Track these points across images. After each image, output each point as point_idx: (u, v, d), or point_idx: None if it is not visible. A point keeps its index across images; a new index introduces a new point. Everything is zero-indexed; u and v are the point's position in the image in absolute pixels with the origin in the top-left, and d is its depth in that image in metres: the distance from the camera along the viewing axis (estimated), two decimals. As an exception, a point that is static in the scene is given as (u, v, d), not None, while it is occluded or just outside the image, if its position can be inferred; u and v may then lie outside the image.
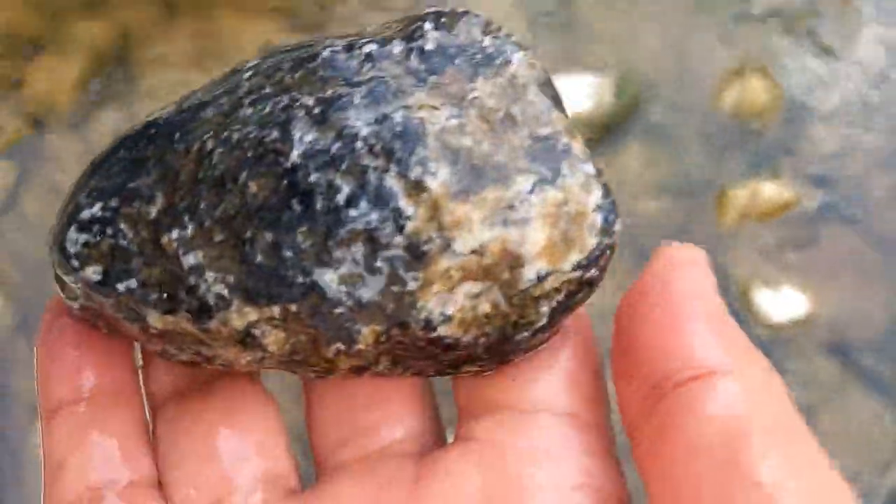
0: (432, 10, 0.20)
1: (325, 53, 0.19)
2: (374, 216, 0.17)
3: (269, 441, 0.21)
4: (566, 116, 0.19)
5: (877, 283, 0.59)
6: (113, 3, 0.80)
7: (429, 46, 0.19)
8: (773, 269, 0.62)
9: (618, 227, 0.19)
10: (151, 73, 0.75)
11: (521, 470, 0.18)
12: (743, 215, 0.64)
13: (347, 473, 0.20)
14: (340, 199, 0.17)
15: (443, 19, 0.20)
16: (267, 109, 0.18)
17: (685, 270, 0.18)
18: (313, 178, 0.17)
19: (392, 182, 0.17)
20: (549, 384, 0.19)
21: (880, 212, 0.64)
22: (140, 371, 0.22)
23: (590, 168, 0.18)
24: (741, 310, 0.60)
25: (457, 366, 0.20)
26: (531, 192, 0.18)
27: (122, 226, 0.19)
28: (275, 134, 0.18)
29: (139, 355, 0.22)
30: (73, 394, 0.20)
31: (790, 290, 0.61)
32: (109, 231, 0.19)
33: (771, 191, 0.65)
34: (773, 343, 0.59)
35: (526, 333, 0.19)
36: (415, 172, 0.17)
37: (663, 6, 0.75)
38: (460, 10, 0.20)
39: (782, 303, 0.60)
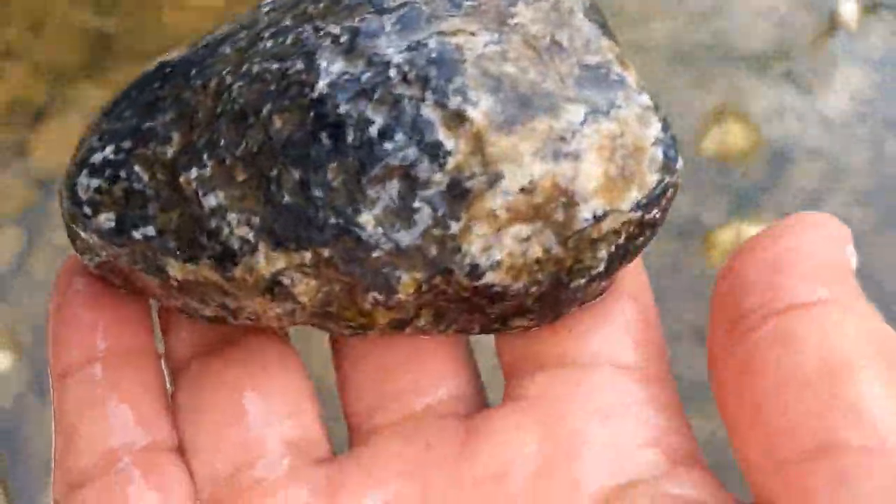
0: None
1: None
2: (410, 150, 0.16)
3: (298, 404, 0.19)
4: (616, 44, 0.18)
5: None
6: (111, 67, 0.82)
7: None
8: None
9: (679, 164, 0.17)
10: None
11: (583, 427, 0.17)
12: (729, 254, 0.66)
13: (387, 436, 0.18)
14: (373, 131, 0.16)
15: None
16: (290, 40, 0.17)
17: (812, 227, 0.16)
18: (343, 108, 0.16)
19: (429, 112, 0.15)
20: (609, 336, 0.18)
21: (862, 247, 0.67)
22: (159, 331, 0.21)
23: (646, 99, 0.17)
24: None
25: (505, 320, 0.18)
26: (584, 122, 0.16)
27: (137, 168, 0.18)
28: (299, 64, 0.16)
29: (157, 316, 0.21)
30: (86, 355, 0.19)
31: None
32: (123, 174, 0.18)
33: (755, 230, 0.67)
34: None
35: (582, 281, 0.17)
36: (454, 102, 0.15)
37: (643, 56, 0.78)
38: None
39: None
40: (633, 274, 0.19)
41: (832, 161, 0.71)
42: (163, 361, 0.20)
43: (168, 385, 0.20)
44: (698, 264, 0.66)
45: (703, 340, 0.56)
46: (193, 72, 0.18)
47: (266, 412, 0.19)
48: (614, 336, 0.18)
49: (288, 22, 0.17)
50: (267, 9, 0.18)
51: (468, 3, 0.17)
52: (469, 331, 0.19)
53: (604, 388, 0.17)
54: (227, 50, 0.18)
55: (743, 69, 0.76)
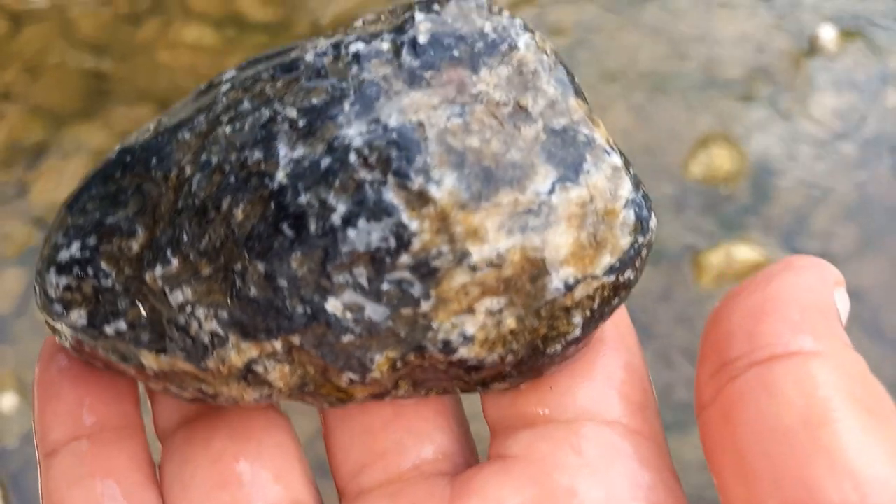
0: None
1: (308, 57, 0.17)
2: (374, 235, 0.15)
3: (286, 466, 0.19)
4: (585, 102, 0.17)
5: (850, 330, 0.63)
6: (109, 106, 0.83)
7: (421, 39, 0.16)
8: (752, 326, 0.65)
9: (653, 222, 0.17)
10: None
11: (569, 485, 0.16)
12: (719, 276, 0.67)
13: (374, 498, 0.18)
14: (336, 219, 0.15)
15: (435, 5, 0.17)
16: (247, 127, 0.16)
17: (797, 271, 0.16)
18: (303, 198, 0.15)
19: (392, 195, 0.15)
20: (591, 391, 0.18)
21: (848, 264, 0.68)
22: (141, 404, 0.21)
23: (616, 159, 0.16)
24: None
25: (485, 383, 0.18)
26: (551, 191, 0.16)
27: (104, 265, 0.17)
28: (257, 154, 0.16)
29: (142, 387, 0.21)
30: (72, 432, 0.19)
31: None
32: (90, 271, 0.18)
33: (743, 252, 0.69)
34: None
35: (558, 346, 0.17)
36: (416, 182, 0.15)
37: (627, 83, 0.79)
38: None
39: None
40: (616, 321, 0.18)
41: (816, 182, 0.72)
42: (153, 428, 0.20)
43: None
44: (688, 287, 0.67)
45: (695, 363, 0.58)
46: (154, 161, 0.17)
47: (254, 478, 0.18)
48: (598, 390, 0.18)
49: (246, 104, 0.17)
50: (226, 87, 0.18)
51: (428, 73, 0.16)
52: (450, 392, 0.19)
53: (589, 444, 0.17)
54: (187, 135, 0.17)
55: (726, 94, 0.78)
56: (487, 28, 0.17)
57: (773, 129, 0.75)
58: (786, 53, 0.80)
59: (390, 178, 0.15)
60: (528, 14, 0.84)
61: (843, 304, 0.16)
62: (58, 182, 0.79)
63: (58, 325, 0.19)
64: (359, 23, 0.19)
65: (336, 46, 0.17)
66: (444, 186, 0.15)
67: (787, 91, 0.78)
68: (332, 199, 0.15)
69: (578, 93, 0.17)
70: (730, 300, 0.16)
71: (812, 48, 0.80)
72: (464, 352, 0.16)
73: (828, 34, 0.80)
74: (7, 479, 0.63)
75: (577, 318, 0.17)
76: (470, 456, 0.19)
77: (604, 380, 0.18)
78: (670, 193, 0.72)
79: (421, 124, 0.15)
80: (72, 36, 0.88)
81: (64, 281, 0.18)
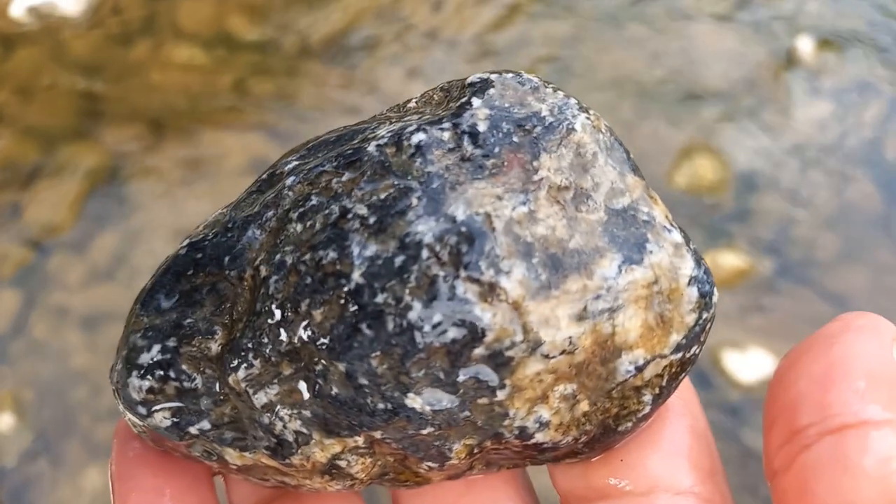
0: (477, 77, 0.18)
1: (371, 149, 0.17)
2: (450, 329, 0.15)
3: None
4: (641, 178, 0.18)
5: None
6: (102, 127, 0.84)
7: (481, 127, 0.17)
8: (739, 333, 0.66)
9: (716, 297, 0.17)
10: (142, 188, 0.79)
11: None
12: (706, 285, 0.69)
13: None
14: (412, 316, 0.15)
15: (491, 89, 0.17)
16: (318, 224, 0.17)
17: (857, 332, 0.16)
18: (380, 297, 0.16)
19: (464, 288, 0.15)
20: (662, 461, 0.18)
21: (830, 270, 0.69)
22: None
23: (677, 236, 0.17)
24: (713, 374, 0.64)
25: (557, 460, 0.18)
26: (618, 275, 0.16)
27: (185, 367, 0.18)
28: (332, 254, 0.16)
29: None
30: None
31: (757, 351, 0.65)
32: (172, 374, 0.18)
33: (729, 259, 0.70)
34: (746, 402, 0.63)
35: (629, 424, 0.17)
36: (487, 275, 0.15)
37: (612, 97, 0.81)
38: (509, 73, 0.18)
39: (750, 364, 0.64)
40: (680, 388, 0.18)
41: (797, 190, 0.74)
42: None
43: None
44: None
45: (695, 382, 0.59)
46: (226, 260, 0.18)
47: None
48: (668, 461, 0.18)
49: (314, 200, 0.17)
50: (291, 180, 0.18)
51: (490, 162, 0.16)
52: (520, 467, 0.19)
53: None
54: (257, 232, 0.17)
55: (708, 106, 0.79)
56: (544, 111, 0.17)
57: (755, 139, 0.77)
58: (765, 65, 0.82)
59: (462, 272, 0.15)
60: (514, 30, 0.85)
61: None
62: (52, 202, 0.79)
63: (138, 424, 0.19)
64: (412, 103, 0.19)
65: (397, 136, 0.17)
66: (514, 277, 0.15)
67: (767, 102, 0.79)
68: (407, 296, 0.15)
69: (635, 169, 0.18)
70: (793, 364, 0.16)
71: (790, 60, 0.82)
72: (539, 437, 0.17)
73: (805, 46, 0.82)
74: (6, 497, 0.64)
75: (648, 396, 0.17)
76: None
77: (673, 448, 0.18)
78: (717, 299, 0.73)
79: (488, 216, 0.16)
80: (63, 58, 0.89)
81: (147, 384, 0.18)
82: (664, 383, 0.17)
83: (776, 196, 0.74)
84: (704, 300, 0.17)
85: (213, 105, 0.84)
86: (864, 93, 0.79)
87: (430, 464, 0.17)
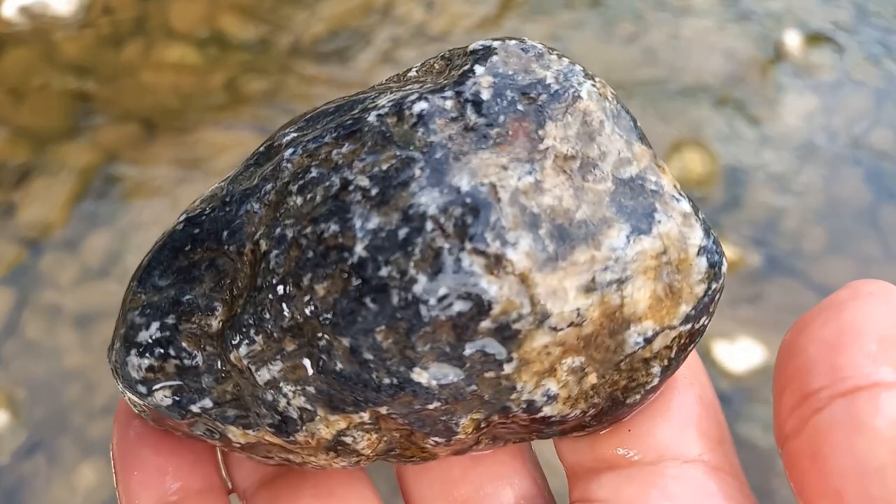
0: (480, 45, 0.17)
1: (372, 119, 0.16)
2: (456, 302, 0.15)
3: None
4: (648, 146, 0.17)
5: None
6: (95, 126, 0.84)
7: (484, 95, 0.16)
8: (729, 324, 0.66)
9: (724, 267, 0.17)
10: (135, 187, 0.79)
11: None
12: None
13: None
14: (417, 290, 0.15)
15: (494, 56, 0.17)
16: (319, 197, 0.16)
17: (867, 298, 0.15)
18: (384, 270, 0.15)
19: (470, 261, 0.15)
20: (670, 430, 0.18)
21: (818, 262, 0.70)
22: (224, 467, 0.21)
23: (685, 205, 0.16)
24: (703, 364, 0.65)
25: (564, 433, 0.18)
26: (626, 245, 0.15)
27: (185, 344, 0.17)
28: (333, 226, 0.16)
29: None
30: (159, 499, 0.19)
31: (746, 341, 0.65)
32: (172, 352, 0.17)
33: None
34: (736, 392, 0.63)
35: (638, 396, 0.17)
36: (493, 246, 0.15)
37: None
38: (512, 40, 0.17)
39: (740, 354, 0.64)
40: (688, 362, 0.18)
41: (786, 183, 0.74)
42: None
43: None
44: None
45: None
46: (225, 234, 0.17)
47: None
48: (677, 430, 0.17)
49: (314, 172, 0.16)
50: (289, 152, 0.17)
51: (494, 131, 0.16)
52: (526, 441, 0.19)
53: (676, 484, 0.17)
54: (256, 206, 0.17)
55: (697, 101, 0.80)
56: (549, 78, 0.16)
57: (744, 133, 0.78)
58: (753, 60, 0.82)
59: (467, 244, 0.15)
60: (505, 27, 0.86)
61: None
62: (45, 201, 0.79)
63: (138, 402, 0.18)
64: (412, 72, 0.18)
65: (398, 106, 0.16)
66: (521, 248, 0.15)
67: (755, 96, 0.80)
68: (412, 269, 0.15)
69: (642, 138, 0.17)
70: (802, 330, 0.16)
71: (778, 54, 0.82)
72: (547, 410, 0.16)
73: (793, 40, 0.83)
74: (0, 495, 0.64)
75: (656, 368, 0.17)
76: (549, 498, 0.19)
77: (681, 418, 0.18)
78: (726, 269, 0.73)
79: (493, 186, 0.15)
80: (55, 58, 0.89)
81: (146, 362, 0.18)
82: (673, 355, 0.17)
83: (764, 189, 0.74)
84: (714, 270, 0.16)
85: (205, 104, 0.85)
86: (851, 87, 0.80)
87: (436, 439, 0.17)
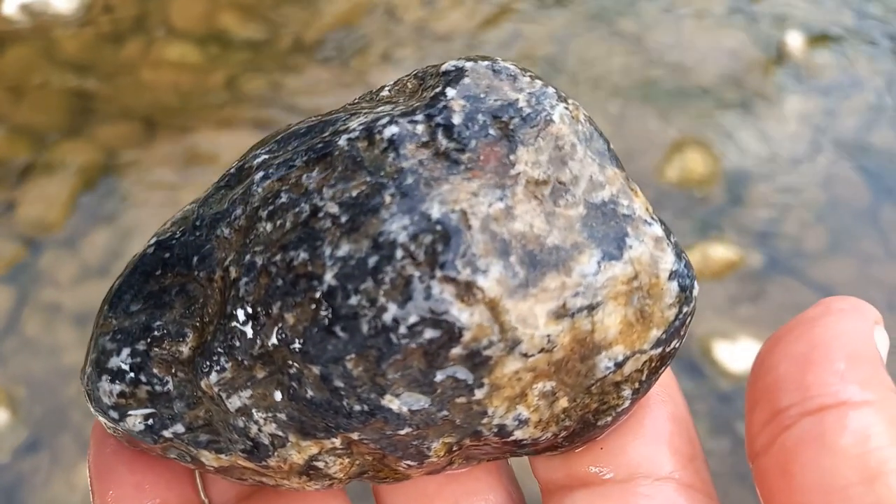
0: (452, 65, 0.17)
1: (342, 143, 0.16)
2: (426, 331, 0.15)
3: None
4: (621, 170, 0.17)
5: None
6: (95, 124, 0.84)
7: (455, 119, 0.16)
8: (728, 324, 0.66)
9: (696, 290, 0.17)
10: (135, 185, 0.79)
11: None
12: (696, 276, 0.69)
13: None
14: (387, 318, 0.15)
15: (465, 78, 0.17)
16: (288, 224, 0.16)
17: (838, 315, 0.16)
18: (354, 299, 0.15)
19: (440, 289, 0.15)
20: (642, 448, 0.18)
21: (818, 261, 0.70)
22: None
23: (657, 229, 0.16)
24: (703, 364, 0.65)
25: (537, 453, 0.18)
26: (597, 271, 0.16)
27: (156, 370, 0.17)
28: (303, 254, 0.15)
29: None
30: None
31: (747, 341, 0.66)
32: (143, 378, 0.17)
33: (719, 252, 0.71)
34: (736, 391, 0.63)
35: (609, 418, 0.17)
36: (464, 274, 0.15)
37: (603, 92, 0.81)
38: (484, 61, 0.17)
39: (740, 354, 0.64)
40: (662, 380, 0.18)
41: (786, 184, 0.74)
42: None
43: None
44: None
45: (687, 372, 0.59)
46: (195, 259, 0.17)
47: None
48: (649, 447, 0.18)
49: (283, 198, 0.16)
50: (259, 175, 0.17)
51: (465, 156, 0.16)
52: (500, 459, 0.19)
53: (646, 502, 0.17)
54: (226, 231, 0.17)
55: (699, 101, 0.80)
56: (521, 101, 0.16)
57: (745, 133, 0.78)
58: (755, 60, 0.82)
59: (437, 272, 0.15)
60: (506, 27, 0.86)
61: (882, 342, 0.16)
62: (45, 199, 0.79)
63: (111, 427, 0.18)
64: (385, 91, 0.18)
65: (369, 130, 0.16)
66: (492, 276, 0.15)
67: (757, 97, 0.80)
68: (381, 297, 0.15)
69: (615, 160, 0.17)
70: (774, 346, 0.16)
71: (780, 55, 0.82)
72: (519, 434, 0.17)
73: (795, 41, 0.83)
74: (0, 493, 0.64)
75: (627, 391, 0.17)
76: None
77: (653, 435, 0.18)
78: (647, 197, 0.73)
79: (464, 213, 0.15)
80: (55, 56, 0.89)
81: (117, 388, 0.18)
82: (644, 378, 0.17)
83: (765, 189, 0.74)
84: (685, 294, 0.16)
85: (205, 102, 0.85)
86: (853, 88, 0.80)
87: (409, 462, 0.17)
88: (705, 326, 0.66)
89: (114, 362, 0.18)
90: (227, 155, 0.80)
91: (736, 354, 0.65)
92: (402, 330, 0.15)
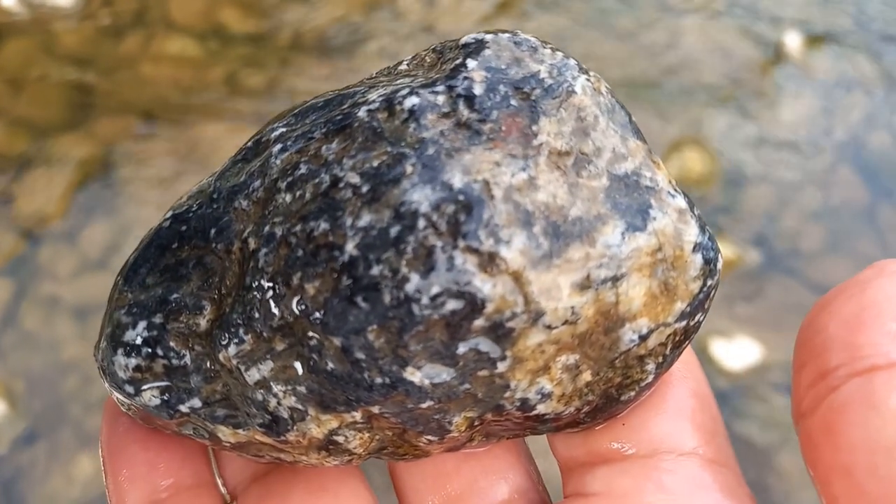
0: (472, 38, 0.17)
1: (362, 114, 0.16)
2: (449, 301, 0.15)
3: None
4: (643, 141, 0.17)
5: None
6: (93, 117, 0.84)
7: (477, 90, 0.16)
8: (726, 322, 0.67)
9: (720, 263, 0.16)
10: (134, 179, 0.79)
11: None
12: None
13: None
14: (410, 288, 0.15)
15: (486, 50, 0.16)
16: (308, 194, 0.16)
17: (891, 277, 0.15)
18: (376, 269, 0.15)
19: (463, 259, 0.15)
20: (665, 423, 0.17)
21: (815, 261, 0.70)
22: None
23: (681, 201, 0.16)
24: (700, 362, 0.65)
25: (558, 429, 0.18)
26: (621, 242, 0.15)
27: (173, 344, 0.17)
28: (323, 224, 0.15)
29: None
30: (149, 495, 0.19)
31: (743, 340, 0.66)
32: (160, 351, 0.17)
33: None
34: (734, 390, 0.64)
35: (632, 393, 0.17)
36: (487, 244, 0.15)
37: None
38: (505, 33, 0.17)
39: (737, 352, 0.65)
40: (683, 356, 0.18)
41: (784, 183, 0.75)
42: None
43: None
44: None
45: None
46: (213, 232, 0.17)
47: None
48: (672, 423, 0.17)
49: (303, 169, 0.16)
50: (277, 148, 0.17)
51: (487, 126, 0.15)
52: (520, 436, 0.18)
53: (671, 477, 0.17)
54: (244, 203, 0.17)
55: (696, 100, 0.80)
56: (543, 72, 0.16)
57: (743, 133, 0.78)
58: (753, 60, 0.83)
59: (460, 242, 0.15)
60: (504, 24, 0.86)
61: None
62: (44, 192, 0.79)
63: (126, 402, 0.18)
64: (403, 65, 0.18)
65: (389, 101, 0.16)
66: (515, 246, 0.15)
67: (755, 97, 0.80)
68: (404, 268, 0.15)
69: (637, 133, 0.17)
70: (824, 308, 0.16)
71: (778, 55, 0.83)
72: (541, 408, 0.16)
73: (793, 41, 0.83)
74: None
75: (651, 366, 0.17)
76: (543, 493, 0.19)
77: (675, 411, 0.18)
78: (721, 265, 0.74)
79: (486, 183, 0.15)
80: (54, 49, 0.88)
81: (133, 362, 0.17)
82: (667, 352, 0.17)
83: (763, 188, 0.74)
84: (709, 267, 0.16)
85: (205, 97, 0.84)
86: (850, 88, 0.80)
87: (429, 437, 0.17)
88: (702, 324, 0.66)
89: (129, 336, 0.17)
90: (227, 149, 0.80)
91: (732, 353, 0.65)
92: (425, 301, 0.15)
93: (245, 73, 0.86)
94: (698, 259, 0.16)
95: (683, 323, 0.16)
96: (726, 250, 0.71)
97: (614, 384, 0.17)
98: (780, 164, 0.76)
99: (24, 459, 0.65)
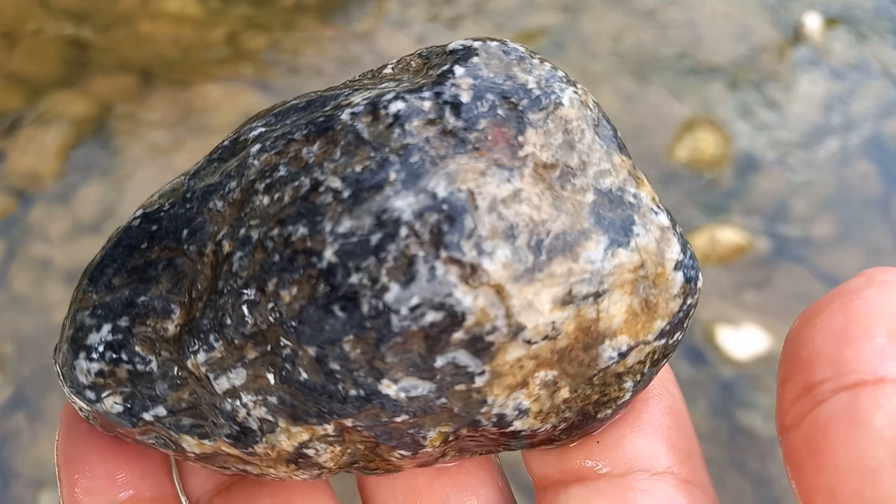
0: (460, 44, 0.16)
1: (345, 117, 0.16)
2: (428, 312, 0.14)
3: None
4: (628, 157, 0.17)
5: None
6: (90, 76, 0.82)
7: (464, 97, 0.15)
8: (733, 310, 0.66)
9: (700, 282, 0.16)
10: (131, 140, 0.77)
11: None
12: (703, 258, 0.68)
13: None
14: (389, 298, 0.14)
15: (474, 57, 0.16)
16: (287, 197, 0.15)
17: (880, 287, 0.15)
18: (355, 278, 0.14)
19: (445, 270, 0.14)
20: (639, 442, 0.17)
21: (826, 250, 0.69)
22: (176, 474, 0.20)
23: (663, 218, 0.16)
24: (706, 350, 0.64)
25: (532, 446, 0.18)
26: (604, 258, 0.15)
27: (139, 349, 0.16)
28: (302, 229, 0.15)
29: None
30: None
31: (751, 328, 0.65)
32: (125, 356, 0.16)
33: (727, 235, 0.70)
34: (739, 379, 0.63)
35: (609, 411, 0.17)
36: (469, 256, 0.14)
37: (614, 67, 0.80)
38: (493, 41, 0.16)
39: (744, 341, 0.64)
40: (659, 374, 0.18)
41: (797, 168, 0.73)
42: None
43: None
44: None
45: (689, 358, 0.59)
46: (185, 233, 0.16)
47: None
48: (646, 442, 0.17)
49: (282, 171, 0.16)
50: (256, 148, 0.16)
51: (473, 135, 0.15)
52: (493, 452, 0.18)
53: (643, 497, 0.16)
54: (219, 204, 0.16)
55: (712, 81, 0.79)
56: (531, 83, 0.16)
57: (758, 116, 0.76)
58: (771, 41, 0.81)
59: (442, 252, 0.14)
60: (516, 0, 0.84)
61: None
62: (36, 151, 0.77)
63: (85, 407, 0.17)
64: (388, 69, 0.18)
65: (373, 105, 0.15)
66: (497, 259, 0.14)
67: (771, 78, 0.79)
68: (384, 277, 0.14)
69: (622, 148, 0.17)
70: (810, 319, 0.15)
71: (797, 36, 0.81)
72: (518, 424, 0.16)
73: (813, 22, 0.81)
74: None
75: (629, 383, 0.17)
76: None
77: (651, 429, 0.17)
78: (656, 177, 0.72)
79: (471, 193, 0.15)
80: (50, 3, 0.86)
81: (96, 367, 0.17)
82: (646, 370, 0.17)
83: (776, 174, 0.73)
84: (689, 286, 0.16)
85: (205, 58, 0.82)
86: (869, 73, 0.79)
87: (402, 452, 0.16)
88: (710, 311, 0.65)
89: (93, 339, 0.17)
90: (227, 111, 0.78)
91: (739, 341, 0.64)
92: (404, 311, 0.14)
93: (247, 34, 0.84)
94: (679, 277, 0.16)
95: (663, 341, 0.16)
96: (736, 236, 0.70)
97: (591, 401, 0.17)
98: (794, 148, 0.74)
99: (11, 425, 0.64)
